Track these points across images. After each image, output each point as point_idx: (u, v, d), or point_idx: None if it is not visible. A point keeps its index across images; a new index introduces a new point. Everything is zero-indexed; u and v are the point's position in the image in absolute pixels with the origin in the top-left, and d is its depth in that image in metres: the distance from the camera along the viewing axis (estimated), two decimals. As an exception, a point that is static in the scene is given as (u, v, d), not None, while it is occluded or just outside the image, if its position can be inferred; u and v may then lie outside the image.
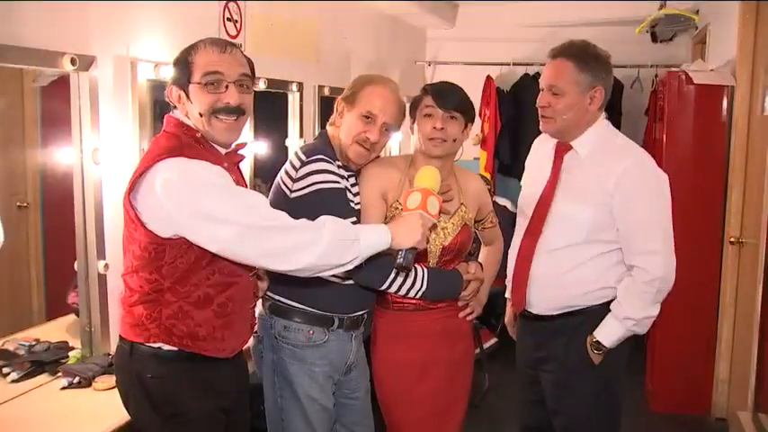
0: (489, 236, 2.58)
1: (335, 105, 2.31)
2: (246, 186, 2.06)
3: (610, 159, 2.28)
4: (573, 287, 2.34)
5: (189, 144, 1.83)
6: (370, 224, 1.99)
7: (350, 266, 1.84)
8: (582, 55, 2.28)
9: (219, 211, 1.72)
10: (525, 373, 2.56)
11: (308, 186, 2.13)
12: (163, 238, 1.79)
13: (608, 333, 2.30)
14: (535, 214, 2.39)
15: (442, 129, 2.24)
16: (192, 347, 1.86)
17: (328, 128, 2.31)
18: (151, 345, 1.85)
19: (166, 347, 1.85)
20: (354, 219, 2.15)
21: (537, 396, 2.51)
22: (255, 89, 2.01)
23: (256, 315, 2.17)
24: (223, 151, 1.92)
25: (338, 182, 2.16)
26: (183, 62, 1.86)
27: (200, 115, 1.84)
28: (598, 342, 2.30)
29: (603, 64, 2.31)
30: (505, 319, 2.74)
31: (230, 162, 1.94)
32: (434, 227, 2.12)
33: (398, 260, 1.95)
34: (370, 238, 1.85)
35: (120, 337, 1.93)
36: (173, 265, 1.81)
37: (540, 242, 2.37)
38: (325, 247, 1.76)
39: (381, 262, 2.06)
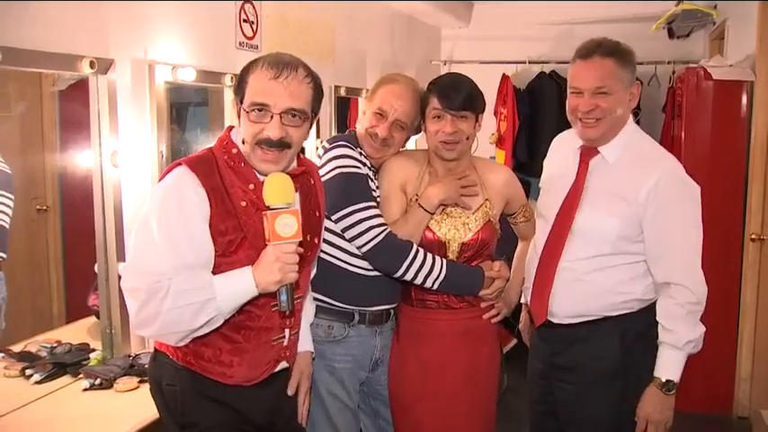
0: (524, 230, 2.47)
1: (363, 104, 2.37)
2: (321, 206, 2.00)
3: (640, 169, 2.13)
4: (594, 297, 2.19)
5: (209, 161, 1.77)
6: (235, 271, 1.72)
7: (214, 325, 1.71)
8: (619, 51, 2.13)
9: (135, 241, 1.72)
10: (537, 384, 2.40)
11: (330, 171, 2.16)
12: None
13: (675, 368, 2.14)
14: (557, 223, 2.24)
15: (454, 132, 2.17)
16: (195, 366, 1.81)
17: (357, 125, 2.35)
18: (165, 353, 1.86)
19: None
20: (375, 206, 2.17)
21: (549, 408, 2.36)
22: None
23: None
24: (261, 178, 1.77)
25: (359, 167, 2.18)
26: (242, 78, 1.77)
27: (243, 142, 1.77)
28: (668, 381, 2.13)
29: (634, 60, 2.17)
30: (520, 325, 2.57)
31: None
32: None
33: (278, 303, 1.73)
34: (229, 290, 1.69)
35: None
36: None
37: (564, 254, 2.21)
38: (163, 320, 1.66)
39: (398, 246, 2.10)
